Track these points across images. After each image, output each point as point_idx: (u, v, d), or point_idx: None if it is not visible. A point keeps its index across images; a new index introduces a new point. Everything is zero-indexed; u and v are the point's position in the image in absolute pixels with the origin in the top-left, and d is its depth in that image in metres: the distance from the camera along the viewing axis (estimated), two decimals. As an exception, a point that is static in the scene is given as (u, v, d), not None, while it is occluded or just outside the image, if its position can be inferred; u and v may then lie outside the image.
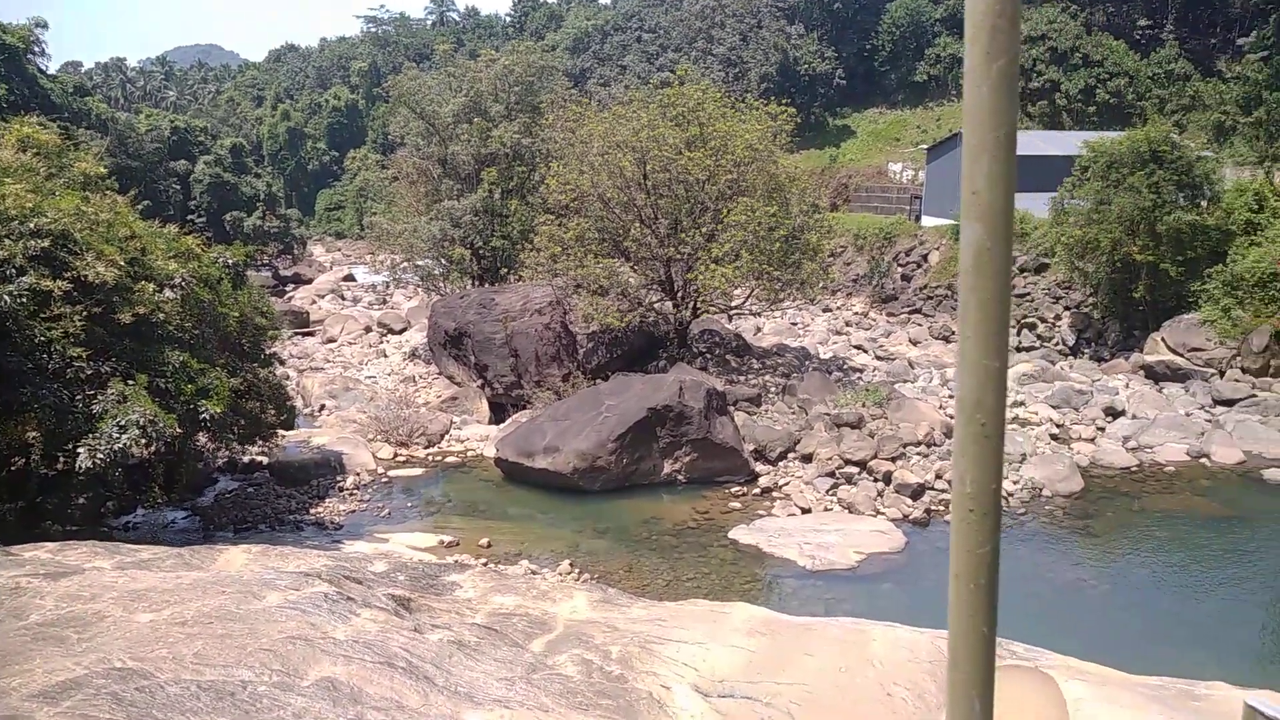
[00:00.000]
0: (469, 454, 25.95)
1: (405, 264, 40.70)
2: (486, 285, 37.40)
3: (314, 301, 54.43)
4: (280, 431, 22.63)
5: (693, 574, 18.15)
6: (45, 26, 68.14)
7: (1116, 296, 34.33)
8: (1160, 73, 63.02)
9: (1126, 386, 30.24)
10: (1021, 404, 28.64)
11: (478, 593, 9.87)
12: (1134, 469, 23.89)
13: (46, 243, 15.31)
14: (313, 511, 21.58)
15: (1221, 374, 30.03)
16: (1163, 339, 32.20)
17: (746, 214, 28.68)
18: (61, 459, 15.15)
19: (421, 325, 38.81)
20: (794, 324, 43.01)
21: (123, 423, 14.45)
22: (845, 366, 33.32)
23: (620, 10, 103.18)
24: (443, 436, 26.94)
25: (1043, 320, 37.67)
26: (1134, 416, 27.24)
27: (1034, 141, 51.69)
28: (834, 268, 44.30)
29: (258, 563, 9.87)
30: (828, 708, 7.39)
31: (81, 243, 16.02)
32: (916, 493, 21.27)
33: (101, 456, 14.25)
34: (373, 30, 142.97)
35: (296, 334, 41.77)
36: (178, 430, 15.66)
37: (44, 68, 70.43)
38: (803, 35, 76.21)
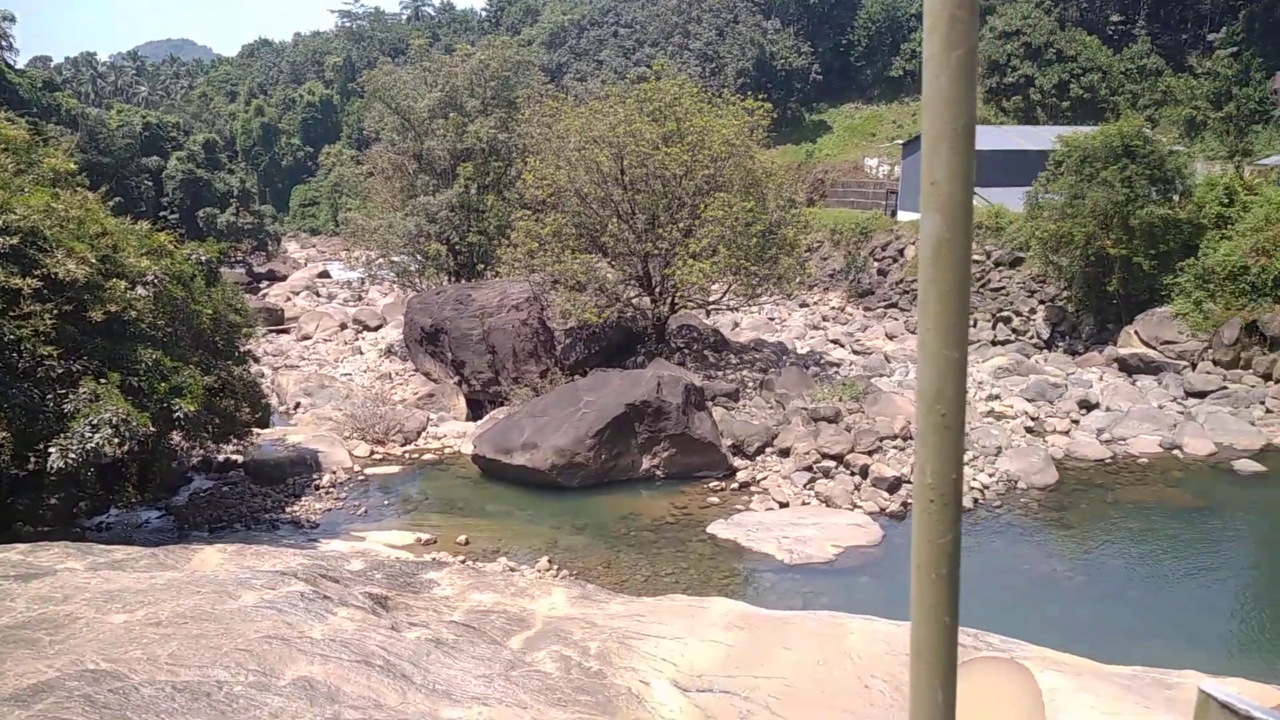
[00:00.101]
0: (446, 451, 25.86)
1: (381, 260, 40.50)
2: (463, 281, 37.25)
3: (289, 298, 54.03)
4: (255, 430, 22.47)
5: (671, 569, 18.17)
6: (12, 20, 67.20)
7: (1090, 290, 34.62)
8: (1133, 68, 63.58)
9: (1100, 379, 30.52)
10: (997, 397, 28.84)
11: (455, 590, 9.83)
12: (1108, 461, 24.13)
13: (15, 240, 15.11)
14: (289, 510, 21.45)
15: (1193, 366, 30.37)
16: (1136, 332, 32.51)
17: (724, 209, 28.72)
18: (32, 459, 14.97)
19: (397, 322, 38.62)
20: (771, 319, 43.10)
21: (95, 422, 14.30)
22: (822, 361, 33.43)
23: (596, 5, 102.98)
24: (419, 434, 26.84)
25: (1017, 314, 37.94)
26: (1108, 409, 27.49)
27: (1008, 136, 52.05)
28: (811, 263, 44.43)
29: (233, 562, 9.80)
30: (806, 701, 7.42)
31: (51, 240, 15.82)
32: (893, 486, 21.39)
33: (73, 456, 14.09)
34: (347, 25, 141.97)
35: (271, 331, 41.49)
36: (151, 429, 15.51)
37: (11, 62, 69.44)
38: (779, 30, 76.31)
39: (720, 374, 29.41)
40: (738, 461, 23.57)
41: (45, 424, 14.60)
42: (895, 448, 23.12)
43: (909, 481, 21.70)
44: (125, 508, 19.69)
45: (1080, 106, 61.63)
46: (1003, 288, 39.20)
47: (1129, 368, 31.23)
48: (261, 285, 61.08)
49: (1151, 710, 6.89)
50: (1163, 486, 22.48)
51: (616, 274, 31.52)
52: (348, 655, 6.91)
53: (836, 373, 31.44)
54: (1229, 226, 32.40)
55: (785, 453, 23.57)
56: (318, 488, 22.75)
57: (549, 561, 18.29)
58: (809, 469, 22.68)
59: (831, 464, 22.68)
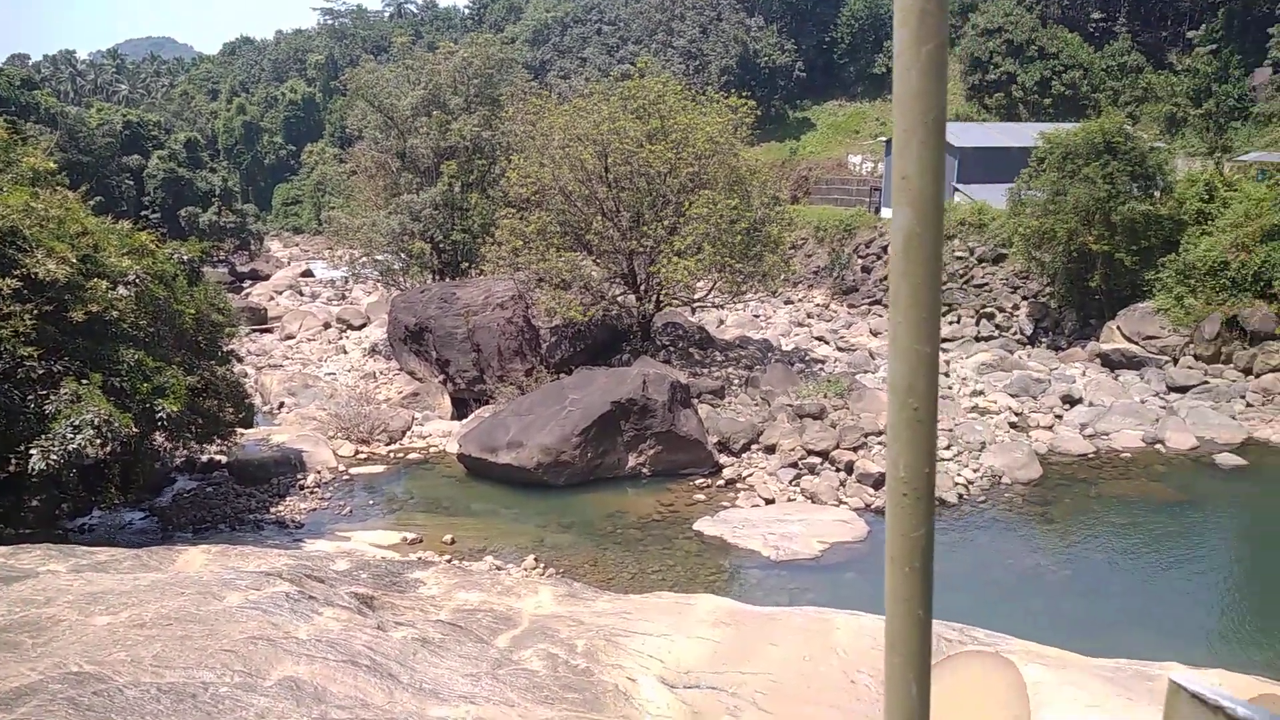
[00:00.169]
0: (431, 450, 25.80)
1: (364, 259, 40.36)
2: (447, 280, 37.16)
3: (272, 298, 53.77)
4: (239, 430, 22.36)
5: (658, 566, 18.20)
6: (-10, 18, 66.53)
7: (1073, 286, 34.82)
8: (1113, 65, 63.93)
9: (1083, 374, 30.71)
10: (980, 393, 28.98)
11: (442, 589, 9.82)
12: (1091, 456, 24.28)
13: (-5, 240, 14.99)
14: (273, 510, 21.36)
15: (1175, 361, 30.59)
16: (1118, 327, 32.72)
17: (708, 206, 28.74)
18: (13, 461, 14.86)
19: (381, 321, 38.49)
20: (756, 316, 43.17)
21: (77, 423, 14.20)
22: (807, 358, 33.52)
23: (580, 2, 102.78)
24: (404, 433, 26.76)
25: (1001, 310, 38.13)
26: (1091, 404, 27.67)
27: (991, 134, 52.27)
28: (795, 260, 44.50)
29: (217, 563, 9.75)
30: (792, 696, 7.44)
31: (31, 239, 15.70)
32: (878, 482, 21.46)
33: (55, 457, 13.99)
34: (329, 23, 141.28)
35: (254, 331, 41.29)
36: (133, 430, 15.42)
37: (-10, 61, 68.73)
38: (762, 28, 76.38)
39: (706, 371, 29.45)
40: (724, 458, 23.61)
41: (26, 425, 14.49)
42: (880, 444, 23.19)
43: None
44: (108, 509, 19.57)
45: (1062, 103, 61.95)
46: (986, 284, 39.39)
47: (1111, 363, 31.43)
48: (244, 284, 60.76)
49: (1134, 702, 6.94)
50: (1145, 481, 22.64)
51: (601, 272, 31.50)
52: (334, 655, 6.89)
53: (821, 369, 31.53)
54: (1209, 222, 32.66)
55: (771, 449, 23.62)
56: (302, 488, 22.66)
57: (535, 560, 18.28)
58: (794, 465, 22.74)
59: (817, 460, 22.74)
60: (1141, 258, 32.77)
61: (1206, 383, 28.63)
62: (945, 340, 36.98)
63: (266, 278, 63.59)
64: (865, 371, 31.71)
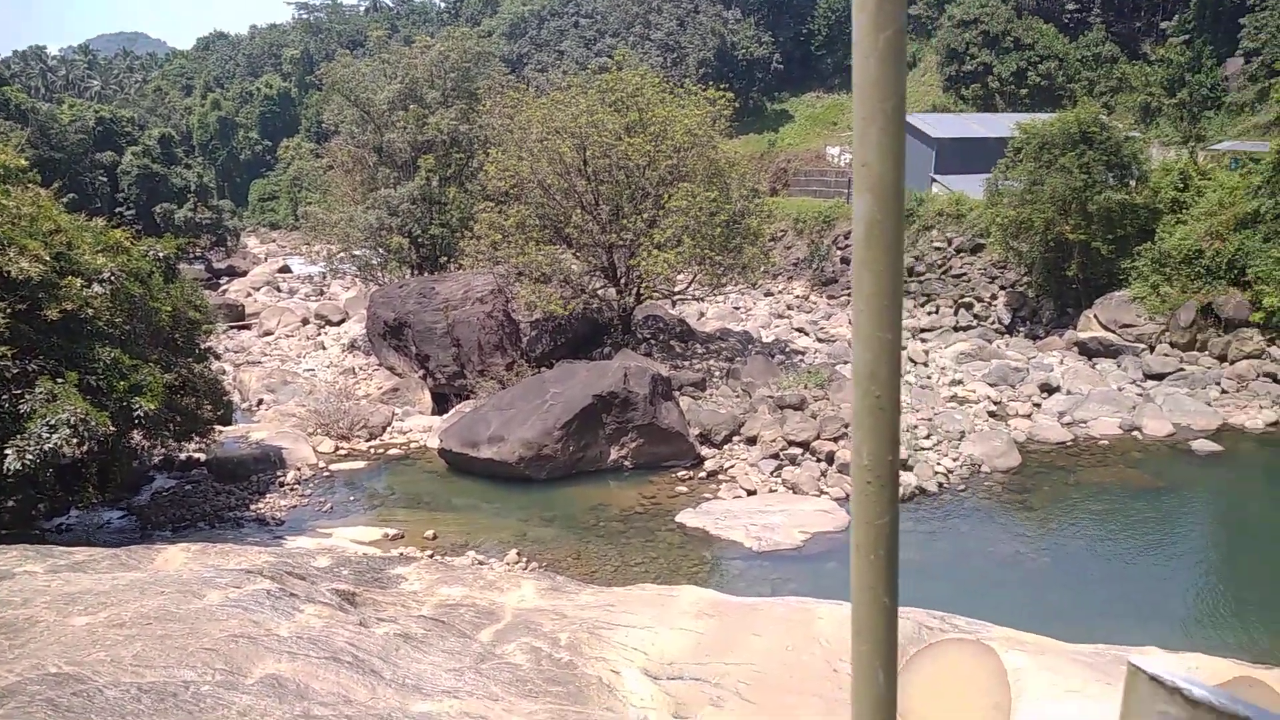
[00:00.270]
0: (412, 446, 25.71)
1: (342, 254, 40.13)
2: (426, 274, 37.00)
3: (249, 294, 53.37)
4: (217, 427, 22.22)
5: (641, 559, 18.22)
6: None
7: (1050, 275, 35.05)
8: (1088, 55, 64.29)
9: (1061, 363, 30.93)
10: (959, 382, 29.15)
11: (424, 585, 9.80)
12: (1069, 443, 24.48)
13: (-34, 238, 14.81)
14: (253, 508, 21.25)
15: (1151, 349, 30.86)
16: (1095, 316, 32.96)
17: (687, 199, 28.74)
18: (-11, 461, 14.69)
19: (360, 316, 38.30)
20: (736, 308, 43.23)
21: (52, 422, 14.07)
22: (787, 349, 33.61)
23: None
24: (384, 428, 26.66)
25: (979, 300, 38.33)
26: (1068, 392, 27.88)
27: (968, 124, 52.51)
28: (774, 252, 44.60)
29: (197, 561, 9.69)
30: (775, 686, 7.47)
31: (3, 237, 15.52)
32: (859, 472, 21.54)
33: (31, 457, 13.86)
34: (304, 17, 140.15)
35: (232, 328, 40.97)
36: (111, 428, 15.29)
37: (-42, 57, 67.84)
38: (739, 20, 76.35)
39: (687, 364, 29.48)
40: (705, 450, 23.65)
41: (1, 425, 14.34)
42: (861, 434, 23.27)
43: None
44: (86, 509, 19.40)
45: (1038, 94, 62.24)
46: (964, 274, 39.58)
47: (1089, 351, 31.68)
48: (221, 281, 60.25)
49: (1113, 686, 7.01)
50: (1123, 467, 22.85)
51: (581, 265, 31.46)
52: (316, 652, 6.86)
53: (801, 361, 31.62)
54: (1184, 211, 32.94)
55: (752, 441, 23.68)
56: (282, 485, 22.54)
57: (518, 554, 18.26)
58: (776, 456, 22.81)
59: (798, 451, 22.82)
60: (1118, 246, 33.01)
61: (1182, 370, 28.91)
62: (925, 330, 37.17)
63: (244, 274, 63.09)
64: (845, 362, 31.81)
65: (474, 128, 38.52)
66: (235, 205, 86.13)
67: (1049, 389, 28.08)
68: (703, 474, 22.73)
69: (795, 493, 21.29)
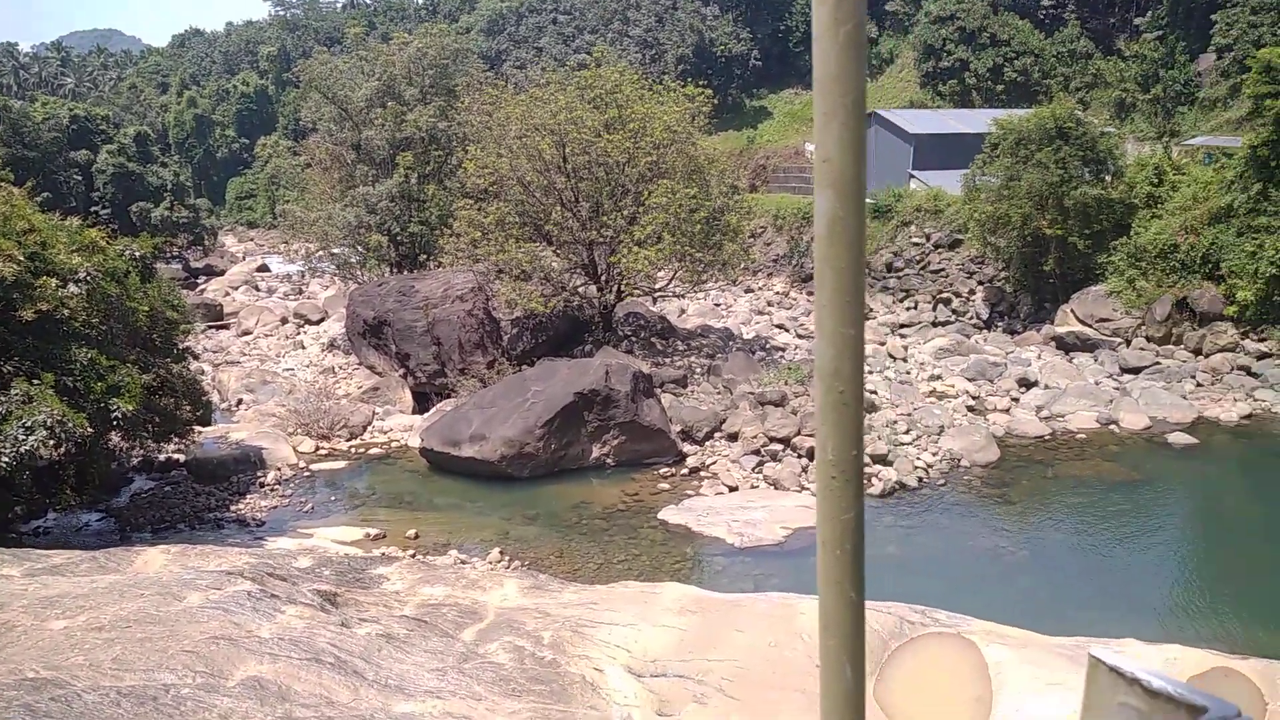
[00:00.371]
0: (393, 445, 25.62)
1: (320, 252, 39.91)
2: (405, 272, 36.86)
3: (227, 293, 53.01)
4: (196, 428, 22.07)
5: (623, 556, 18.24)
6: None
7: (1027, 270, 35.30)
8: (1064, 51, 64.74)
9: (1039, 357, 31.16)
10: (938, 377, 29.32)
11: (406, 585, 9.77)
12: (1047, 437, 24.66)
13: (-62, 238, 14.64)
14: (233, 509, 21.12)
15: (1128, 343, 31.13)
16: (1072, 310, 33.22)
17: (667, 196, 28.76)
18: (-37, 464, 14.54)
19: (339, 315, 38.12)
20: (717, 305, 43.31)
21: (29, 424, 13.94)
22: (768, 346, 33.69)
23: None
24: (365, 428, 26.55)
25: (957, 295, 38.55)
26: (1046, 386, 28.09)
27: (945, 120, 52.75)
28: (754, 248, 44.70)
29: (177, 563, 9.63)
30: (758, 682, 7.50)
31: (-24, 238, 15.35)
32: (840, 468, 21.63)
33: (7, 460, 13.73)
34: (281, 13, 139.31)
35: (210, 327, 40.70)
36: (88, 430, 15.16)
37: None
38: (718, 16, 76.42)
39: (668, 361, 29.51)
40: (687, 447, 23.69)
41: (-24, 428, 14.18)
42: (841, 430, 23.38)
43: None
44: (63, 511, 19.22)
45: (1014, 90, 62.63)
46: (942, 269, 39.79)
47: (1066, 346, 31.92)
48: (199, 280, 59.80)
49: (1093, 678, 7.07)
50: (1100, 461, 23.05)
51: (562, 262, 31.43)
52: (297, 653, 6.84)
53: (782, 357, 31.71)
54: (1159, 206, 33.23)
55: (733, 437, 23.74)
56: (262, 485, 22.41)
57: (500, 553, 18.24)
58: (757, 453, 22.88)
59: (779, 447, 22.89)
60: (1094, 241, 33.28)
61: (1158, 363, 29.18)
62: (903, 326, 37.34)
63: (221, 273, 62.65)
64: (825, 358, 31.90)
65: (453, 125, 38.39)
66: (212, 204, 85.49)
67: (1027, 383, 28.28)
68: (685, 471, 22.76)
69: (777, 488, 21.36)
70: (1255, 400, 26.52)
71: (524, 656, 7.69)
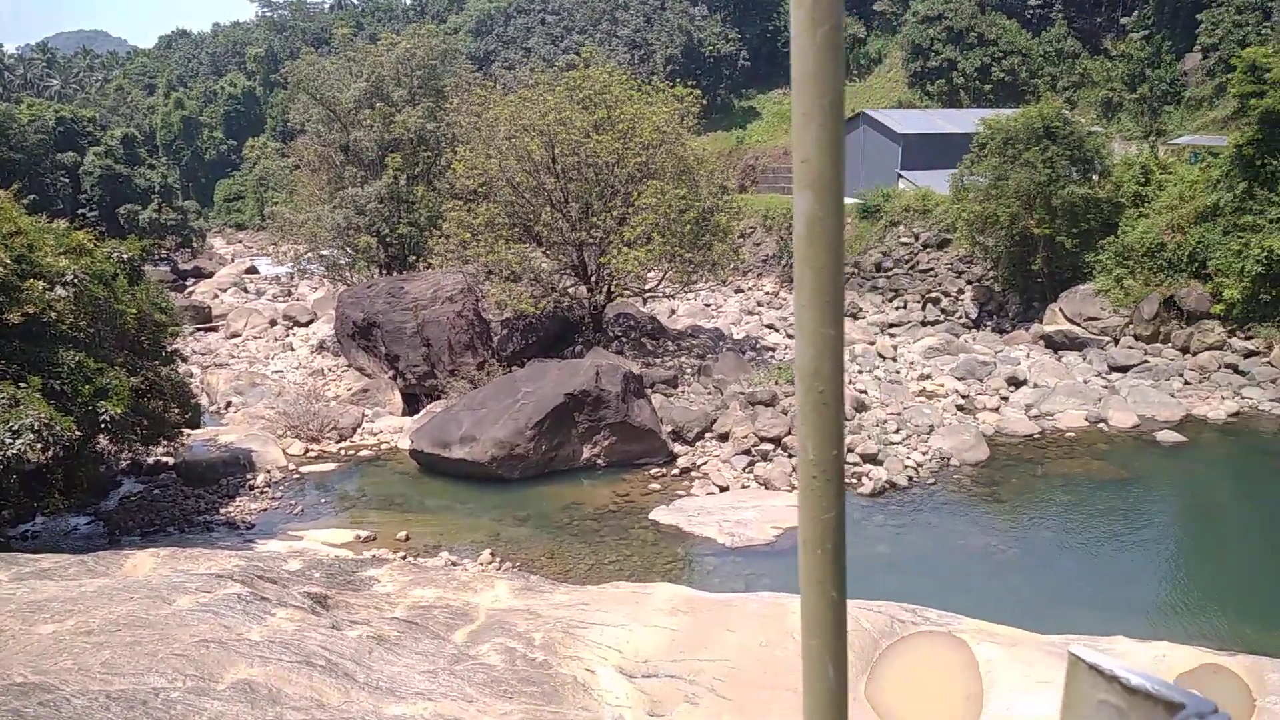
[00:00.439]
0: (383, 447, 25.57)
1: (309, 254, 39.81)
2: (395, 274, 36.79)
3: (216, 295, 52.84)
4: (185, 431, 21.99)
5: (615, 557, 18.23)
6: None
7: (1016, 269, 35.41)
8: (1051, 51, 65.00)
9: (1027, 356, 31.26)
10: (928, 377, 29.40)
11: (396, 587, 9.75)
12: (1037, 436, 24.74)
13: (-76, 241, 14.56)
14: (223, 511, 21.04)
15: (1116, 341, 31.26)
16: (1060, 309, 33.35)
17: (656, 196, 28.76)
18: (-50, 468, 14.45)
19: (328, 317, 38.01)
20: (707, 305, 43.33)
21: (15, 427, 13.86)
22: (758, 346, 33.73)
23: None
24: (355, 430, 26.48)
25: (946, 295, 38.66)
26: (1035, 385, 28.18)
27: (933, 120, 52.90)
28: (744, 249, 44.71)
29: (166, 566, 9.59)
30: (750, 681, 7.51)
31: (-38, 241, 15.27)
32: (831, 467, 21.65)
33: (-7, 464, 13.64)
34: (268, 15, 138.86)
35: (198, 330, 40.54)
36: (76, 433, 15.09)
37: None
38: (706, 17, 76.50)
39: (658, 361, 29.51)
40: (678, 447, 23.70)
41: (-38, 431, 14.09)
42: (831, 429, 23.41)
43: (845, 461, 22.03)
44: (51, 515, 19.13)
45: (1002, 89, 62.85)
46: (931, 269, 39.90)
47: (1055, 344, 32.04)
48: (187, 283, 59.58)
49: (1083, 676, 7.09)
50: (1089, 459, 23.13)
51: (552, 263, 31.41)
52: (288, 656, 6.81)
53: (772, 357, 31.75)
54: (1146, 205, 33.39)
55: (724, 437, 23.75)
56: (252, 488, 22.34)
57: (491, 554, 18.22)
58: (748, 452, 22.90)
59: (769, 447, 22.92)
60: (1081, 240, 33.41)
61: (1146, 362, 29.31)
62: (892, 325, 37.43)
63: (210, 275, 62.44)
64: (815, 358, 31.93)
65: (441, 126, 38.34)
66: (200, 206, 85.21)
67: (1016, 382, 28.37)
68: (675, 471, 22.77)
69: (767, 488, 21.38)
70: (1242, 398, 26.66)
71: (515, 658, 7.68)
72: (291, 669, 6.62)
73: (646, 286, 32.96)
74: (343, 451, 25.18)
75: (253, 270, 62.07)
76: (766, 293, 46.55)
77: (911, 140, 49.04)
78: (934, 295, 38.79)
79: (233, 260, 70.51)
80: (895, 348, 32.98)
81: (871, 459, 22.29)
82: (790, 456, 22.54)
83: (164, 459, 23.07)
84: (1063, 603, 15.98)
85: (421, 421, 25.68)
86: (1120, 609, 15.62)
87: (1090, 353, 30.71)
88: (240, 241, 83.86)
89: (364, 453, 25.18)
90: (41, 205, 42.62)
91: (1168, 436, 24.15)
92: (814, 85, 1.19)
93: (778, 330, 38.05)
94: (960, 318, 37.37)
